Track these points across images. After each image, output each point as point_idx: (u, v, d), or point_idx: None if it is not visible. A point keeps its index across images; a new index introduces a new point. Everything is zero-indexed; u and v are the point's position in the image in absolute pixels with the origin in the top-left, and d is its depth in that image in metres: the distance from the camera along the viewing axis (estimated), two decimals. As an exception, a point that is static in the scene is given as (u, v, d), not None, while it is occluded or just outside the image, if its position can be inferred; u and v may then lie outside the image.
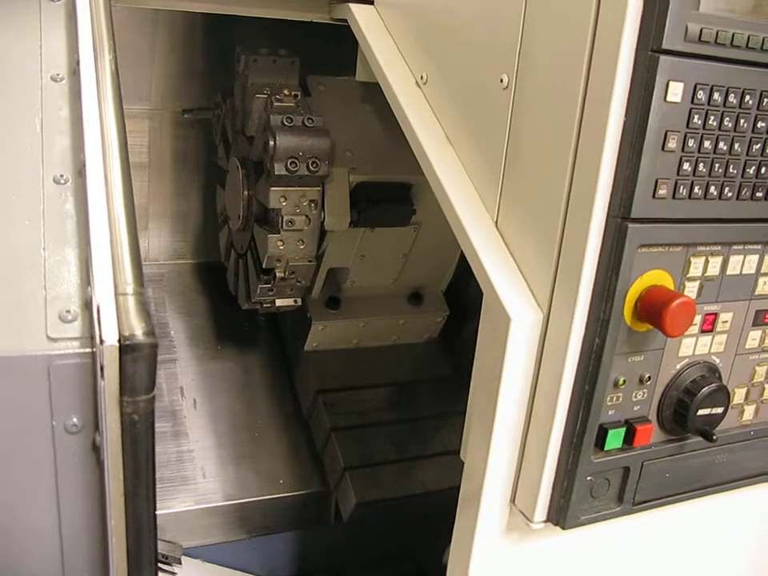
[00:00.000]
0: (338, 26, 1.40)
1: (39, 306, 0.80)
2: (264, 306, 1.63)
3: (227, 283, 1.84)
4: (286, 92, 1.48)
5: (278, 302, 1.61)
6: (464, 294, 1.91)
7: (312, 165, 1.40)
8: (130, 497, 0.79)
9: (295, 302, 1.63)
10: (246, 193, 1.56)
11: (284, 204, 1.44)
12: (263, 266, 1.53)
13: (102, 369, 0.74)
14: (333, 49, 1.70)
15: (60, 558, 0.84)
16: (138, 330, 0.75)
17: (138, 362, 0.74)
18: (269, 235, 1.47)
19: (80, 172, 0.92)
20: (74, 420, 0.79)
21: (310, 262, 1.52)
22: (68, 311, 0.80)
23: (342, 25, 1.37)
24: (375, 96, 1.64)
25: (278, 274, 1.53)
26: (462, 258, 1.73)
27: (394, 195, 1.59)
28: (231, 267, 1.78)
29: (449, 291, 1.93)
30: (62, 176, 0.91)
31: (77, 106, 0.97)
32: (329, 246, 1.65)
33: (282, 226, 1.46)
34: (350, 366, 1.88)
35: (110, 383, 0.74)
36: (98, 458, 0.80)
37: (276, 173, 1.39)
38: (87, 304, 0.81)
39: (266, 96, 1.47)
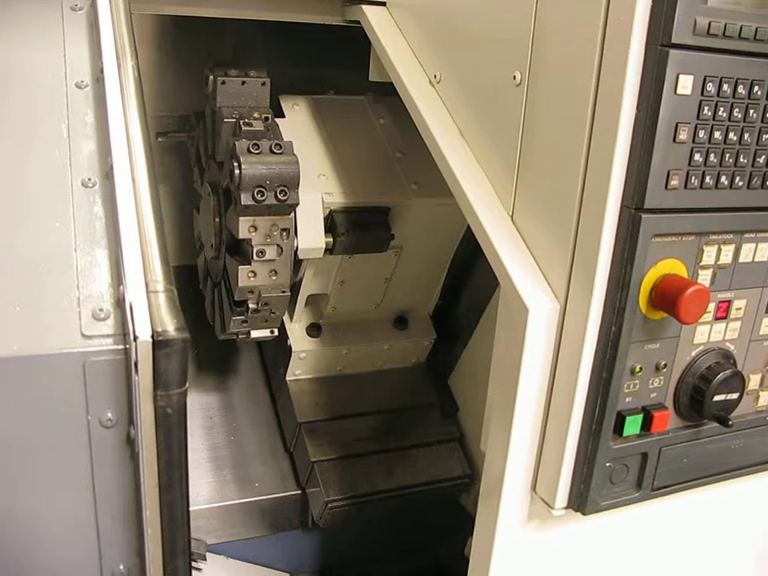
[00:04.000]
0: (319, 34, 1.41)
1: (73, 305, 0.83)
2: (240, 336, 1.56)
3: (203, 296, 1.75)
4: (256, 115, 1.41)
5: (254, 334, 1.54)
6: (451, 317, 1.84)
7: (281, 193, 1.31)
8: (164, 488, 0.82)
9: (271, 332, 1.55)
10: (217, 221, 1.48)
11: (254, 234, 1.36)
12: (235, 298, 1.45)
13: (136, 364, 0.77)
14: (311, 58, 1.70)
15: (97, 548, 0.87)
16: (169, 326, 0.77)
17: (171, 356, 0.77)
18: (239, 266, 1.39)
19: (107, 175, 0.95)
20: (109, 414, 0.82)
21: (283, 292, 1.43)
22: (101, 309, 0.82)
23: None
24: (352, 114, 1.63)
25: (250, 306, 1.45)
26: (448, 279, 1.76)
27: (371, 220, 1.51)
28: (208, 296, 1.69)
29: (435, 314, 1.86)
30: (89, 179, 0.94)
31: (101, 112, 1.00)
32: (306, 273, 1.60)
33: (252, 257, 1.37)
34: (334, 395, 1.80)
35: (143, 378, 0.77)
36: (132, 450, 0.83)
37: (243, 203, 1.30)
38: (119, 302, 0.83)
39: (234, 120, 1.40)
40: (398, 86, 1.21)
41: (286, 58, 1.74)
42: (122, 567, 0.89)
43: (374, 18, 1.29)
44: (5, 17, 1.12)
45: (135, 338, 0.76)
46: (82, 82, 1.05)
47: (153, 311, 0.79)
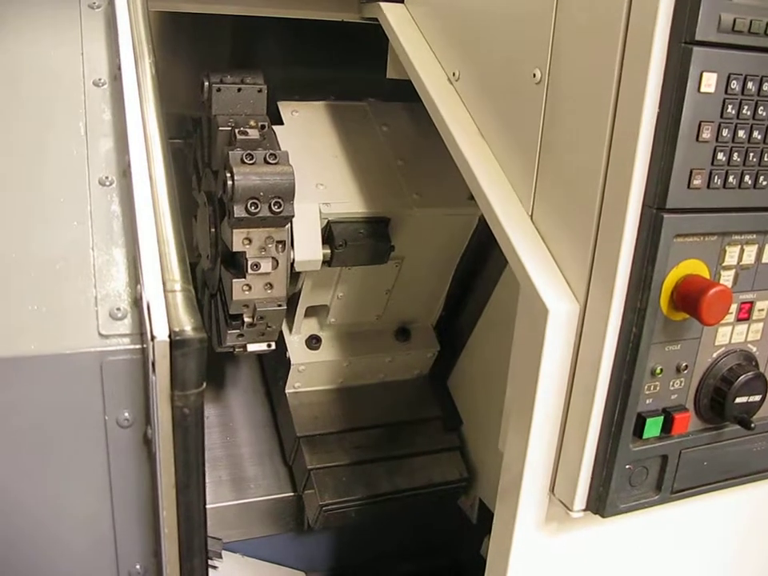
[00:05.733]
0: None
1: (90, 304, 0.83)
2: (237, 350, 1.51)
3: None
4: (252, 123, 1.36)
5: (250, 347, 1.49)
6: (455, 327, 1.80)
7: (275, 205, 1.26)
8: (181, 488, 0.81)
9: (269, 345, 1.50)
10: (213, 231, 1.43)
11: (248, 247, 1.31)
12: (229, 312, 1.41)
13: (153, 364, 0.77)
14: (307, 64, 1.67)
15: (113, 547, 0.87)
16: (187, 326, 0.77)
17: (188, 356, 0.77)
18: (233, 280, 1.34)
19: (124, 173, 0.94)
20: (126, 414, 0.82)
21: (279, 306, 1.38)
22: (118, 309, 0.82)
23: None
24: (353, 120, 1.58)
25: (246, 320, 1.40)
26: (451, 290, 1.73)
27: (371, 231, 1.46)
28: (205, 307, 1.63)
29: (439, 325, 1.82)
30: (107, 178, 0.94)
31: (119, 110, 1.00)
32: (305, 284, 1.56)
33: (247, 270, 1.33)
34: (334, 408, 1.75)
35: (161, 378, 0.77)
36: (149, 450, 0.83)
37: (236, 215, 1.25)
38: (136, 301, 0.83)
39: (229, 128, 1.34)
40: (416, 83, 1.20)
41: (287, 57, 1.72)
42: (138, 567, 0.89)
43: (392, 16, 1.28)
44: (23, 15, 1.12)
45: (153, 338, 0.76)
46: (100, 79, 1.05)
47: (170, 311, 0.79)
